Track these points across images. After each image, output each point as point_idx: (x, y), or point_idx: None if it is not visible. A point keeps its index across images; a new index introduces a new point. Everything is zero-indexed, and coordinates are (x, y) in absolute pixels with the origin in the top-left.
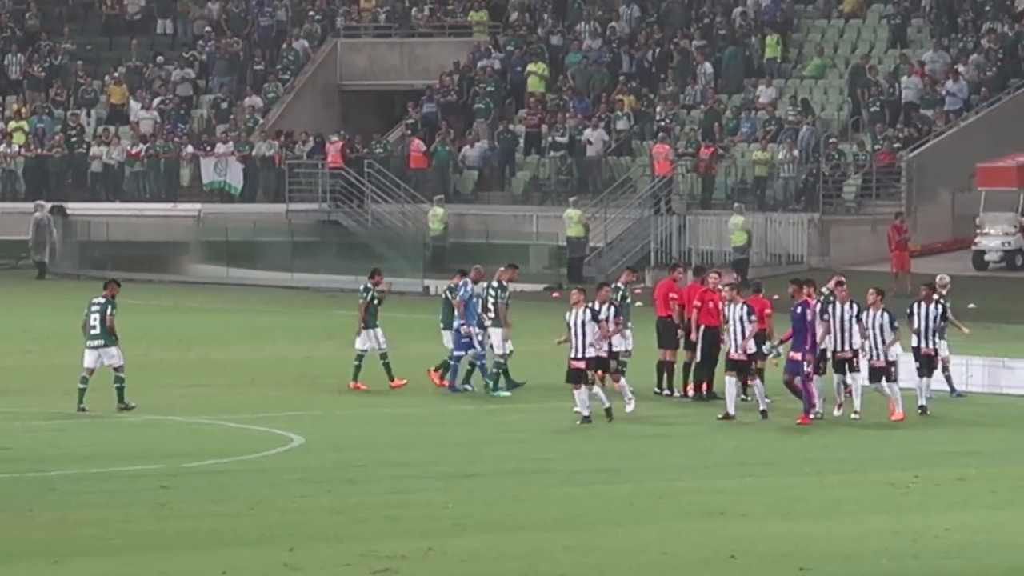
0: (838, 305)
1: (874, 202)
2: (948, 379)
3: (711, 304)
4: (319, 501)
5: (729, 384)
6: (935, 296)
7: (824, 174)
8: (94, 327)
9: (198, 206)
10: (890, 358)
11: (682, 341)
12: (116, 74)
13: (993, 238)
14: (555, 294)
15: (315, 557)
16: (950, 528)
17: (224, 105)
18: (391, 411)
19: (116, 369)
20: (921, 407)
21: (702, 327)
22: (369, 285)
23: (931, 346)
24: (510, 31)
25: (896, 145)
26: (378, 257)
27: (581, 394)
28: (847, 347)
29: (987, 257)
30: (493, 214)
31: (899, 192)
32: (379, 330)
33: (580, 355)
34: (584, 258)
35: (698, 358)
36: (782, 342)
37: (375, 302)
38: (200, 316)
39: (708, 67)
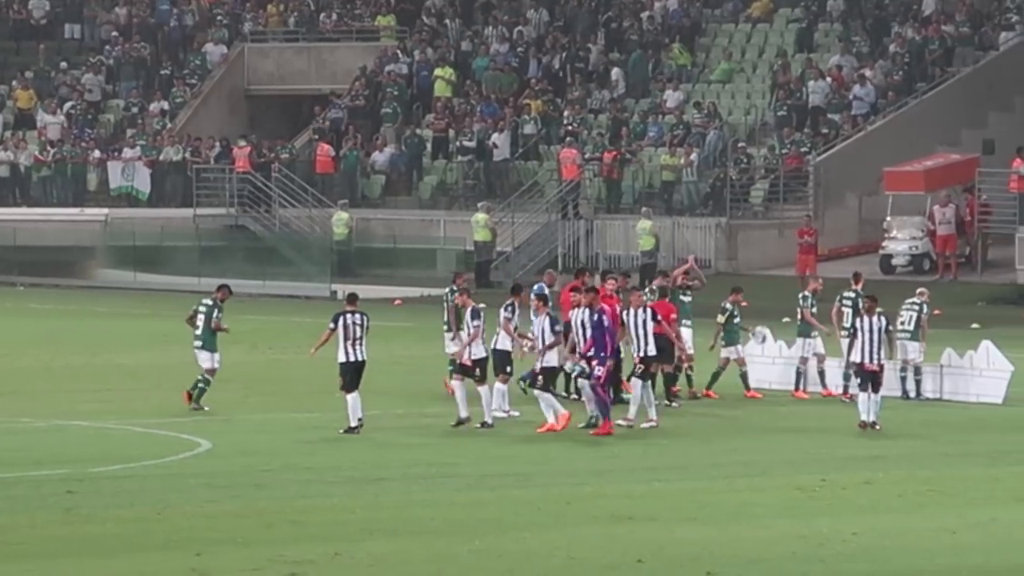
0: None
1: (782, 206)
2: (918, 383)
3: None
4: (226, 506)
5: (635, 387)
6: (879, 308)
7: (731, 178)
8: (198, 328)
9: (105, 211)
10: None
11: None
12: (23, 79)
13: (900, 242)
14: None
15: (222, 562)
16: (857, 532)
17: (132, 110)
18: (298, 416)
19: (206, 372)
20: (870, 423)
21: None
22: (454, 288)
23: (875, 361)
24: (417, 36)
25: (803, 149)
26: (285, 261)
27: (547, 400)
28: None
29: (894, 261)
30: (400, 219)
31: (807, 196)
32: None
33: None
34: (492, 262)
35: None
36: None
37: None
38: (107, 321)
39: (615, 71)
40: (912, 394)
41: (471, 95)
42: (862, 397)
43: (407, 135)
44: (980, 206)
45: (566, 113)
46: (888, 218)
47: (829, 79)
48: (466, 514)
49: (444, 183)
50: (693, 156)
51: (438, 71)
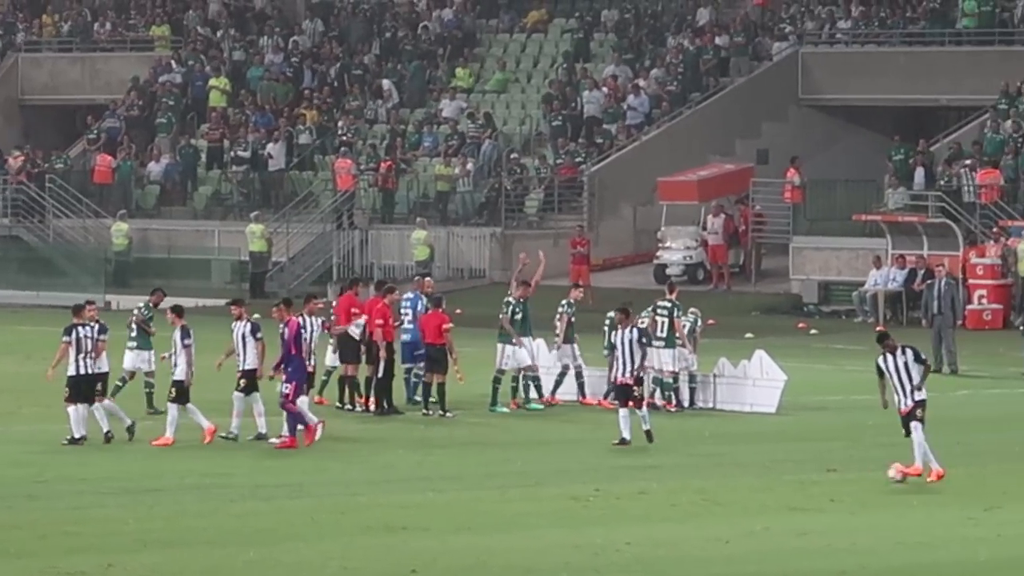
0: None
1: (556, 216)
2: (692, 391)
3: (392, 320)
4: None
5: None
6: (632, 321)
7: (506, 188)
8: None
9: None
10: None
11: (364, 356)
12: None
13: (675, 252)
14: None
15: None
16: (631, 542)
17: None
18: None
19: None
20: (623, 440)
21: (383, 343)
22: (572, 300)
23: (628, 374)
24: (191, 46)
25: (578, 159)
26: (60, 272)
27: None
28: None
29: (669, 271)
30: (176, 229)
31: (581, 206)
32: (575, 345)
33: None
34: (267, 272)
35: (379, 373)
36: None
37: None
38: None
39: (386, 83)
40: (686, 403)
41: (246, 105)
42: (621, 413)
43: (182, 145)
44: (754, 216)
45: (341, 123)
46: (662, 228)
47: (604, 89)
48: (240, 524)
49: (219, 193)
50: (469, 166)
51: (213, 81)
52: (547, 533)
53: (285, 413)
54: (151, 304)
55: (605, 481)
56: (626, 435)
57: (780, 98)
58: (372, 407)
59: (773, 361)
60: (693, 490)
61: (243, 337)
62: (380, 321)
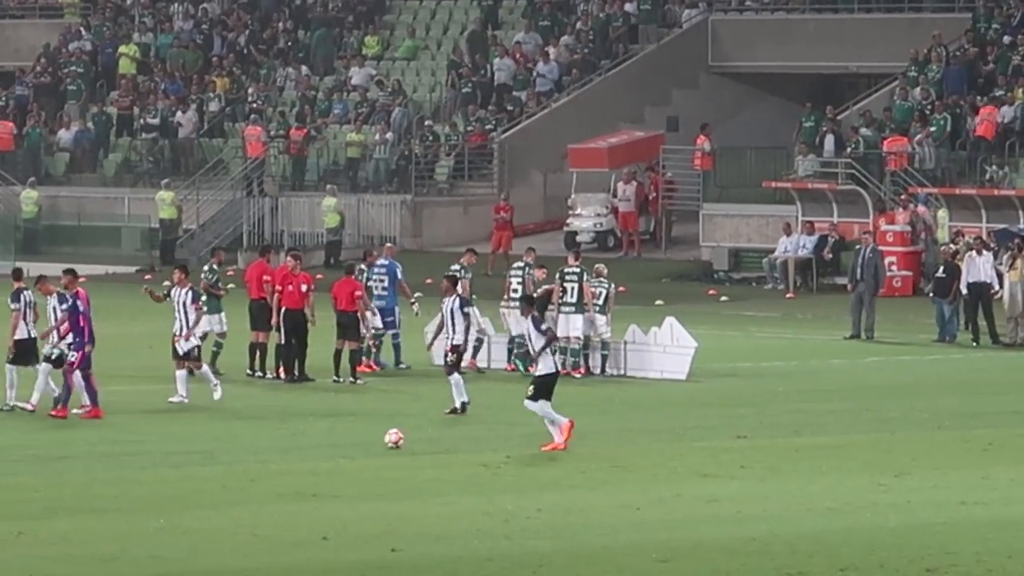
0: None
1: (466, 183)
2: (603, 358)
3: (289, 287)
4: None
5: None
6: (455, 290)
7: (417, 155)
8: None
9: None
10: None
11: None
12: None
13: (585, 219)
14: (147, 276)
15: None
16: (542, 508)
17: None
18: None
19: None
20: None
21: (283, 309)
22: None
23: (452, 341)
24: (100, 13)
25: (488, 127)
26: None
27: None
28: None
29: (579, 238)
30: (86, 196)
31: (492, 174)
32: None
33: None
34: (177, 240)
35: (282, 340)
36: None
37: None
38: None
39: (299, 49)
40: (596, 370)
41: (155, 72)
42: (455, 379)
43: (95, 112)
44: (665, 183)
45: (251, 90)
46: (573, 195)
47: (515, 56)
48: (151, 492)
49: (128, 161)
50: (389, 135)
51: (122, 48)
52: (458, 500)
53: (83, 383)
54: (214, 265)
55: (515, 448)
56: (456, 404)
57: (690, 65)
58: (283, 375)
59: (683, 328)
60: (603, 457)
61: (54, 310)
62: (279, 288)
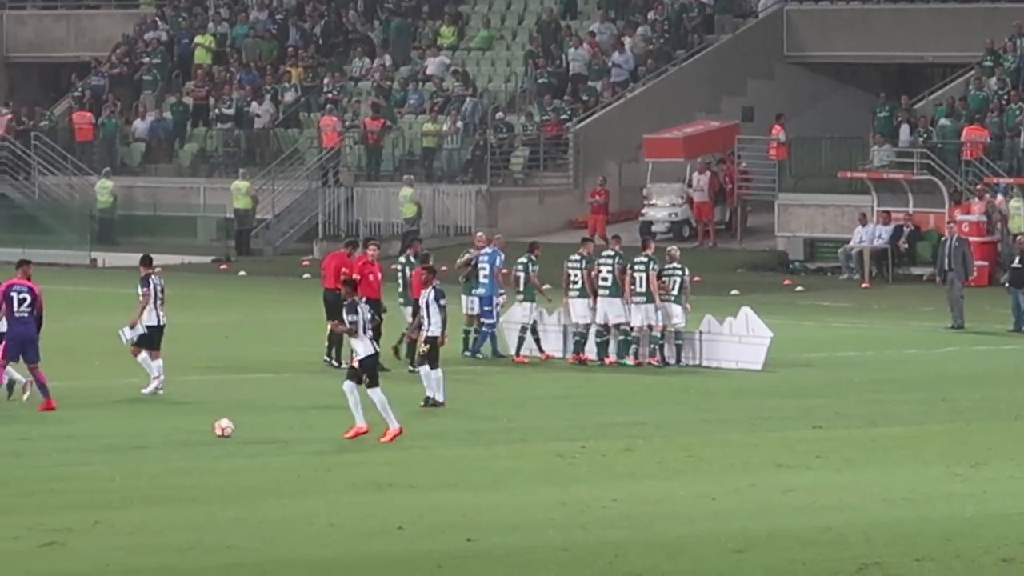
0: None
1: (542, 173)
2: (678, 348)
3: (371, 277)
4: None
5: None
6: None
7: (491, 146)
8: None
9: None
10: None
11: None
12: None
13: (660, 209)
14: (223, 266)
15: None
16: (617, 499)
17: None
18: (58, 384)
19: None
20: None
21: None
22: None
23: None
24: (176, 3)
25: (563, 117)
26: (45, 229)
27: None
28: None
29: (654, 228)
30: (161, 186)
31: (567, 164)
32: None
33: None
34: (252, 230)
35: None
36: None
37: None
38: None
39: (375, 38)
40: (672, 360)
41: (231, 62)
42: (424, 371)
43: (173, 102)
44: (740, 173)
45: (326, 80)
46: (648, 185)
47: (589, 46)
48: (226, 481)
49: (204, 151)
50: (459, 124)
51: (198, 38)
52: (533, 490)
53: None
54: (410, 256)
55: (591, 438)
56: (430, 393)
57: (765, 55)
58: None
59: (759, 318)
60: (679, 447)
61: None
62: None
